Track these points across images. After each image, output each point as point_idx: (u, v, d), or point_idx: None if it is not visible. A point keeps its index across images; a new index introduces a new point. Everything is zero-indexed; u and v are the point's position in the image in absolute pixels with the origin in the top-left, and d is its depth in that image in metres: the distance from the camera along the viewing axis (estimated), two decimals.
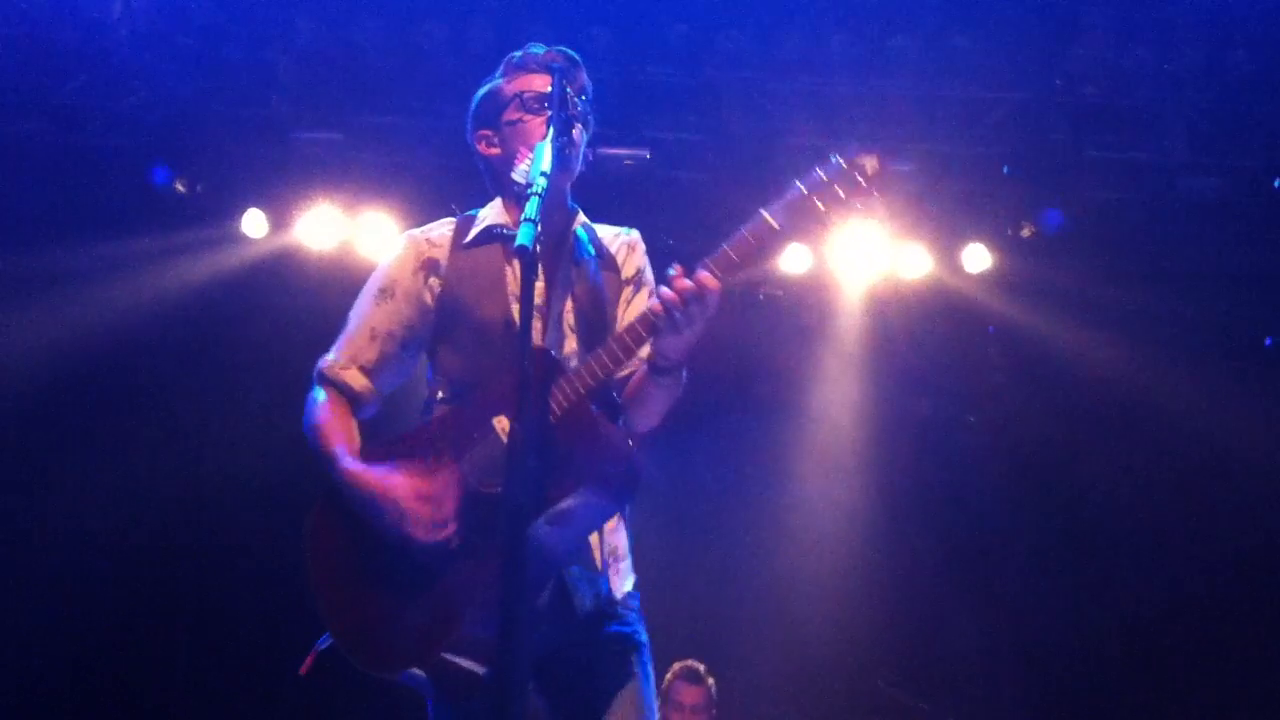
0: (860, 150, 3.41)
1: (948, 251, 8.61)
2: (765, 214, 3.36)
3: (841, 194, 3.35)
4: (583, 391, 3.35)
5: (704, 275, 3.32)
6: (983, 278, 8.70)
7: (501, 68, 3.83)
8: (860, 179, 3.36)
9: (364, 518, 3.44)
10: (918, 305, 9.08)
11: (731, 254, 3.34)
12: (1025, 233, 8.52)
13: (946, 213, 8.29)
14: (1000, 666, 9.22)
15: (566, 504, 3.31)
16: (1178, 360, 8.55)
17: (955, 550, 9.31)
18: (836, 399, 9.47)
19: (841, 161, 3.38)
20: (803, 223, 3.37)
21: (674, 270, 3.34)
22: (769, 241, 3.36)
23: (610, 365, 3.37)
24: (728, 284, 3.36)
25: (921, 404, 9.61)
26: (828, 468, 9.43)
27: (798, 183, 3.38)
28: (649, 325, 3.35)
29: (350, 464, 3.49)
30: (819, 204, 3.35)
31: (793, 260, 8.58)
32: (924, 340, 9.33)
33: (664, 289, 3.32)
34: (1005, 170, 8.22)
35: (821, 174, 3.37)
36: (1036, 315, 8.93)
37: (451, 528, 3.36)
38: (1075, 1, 7.13)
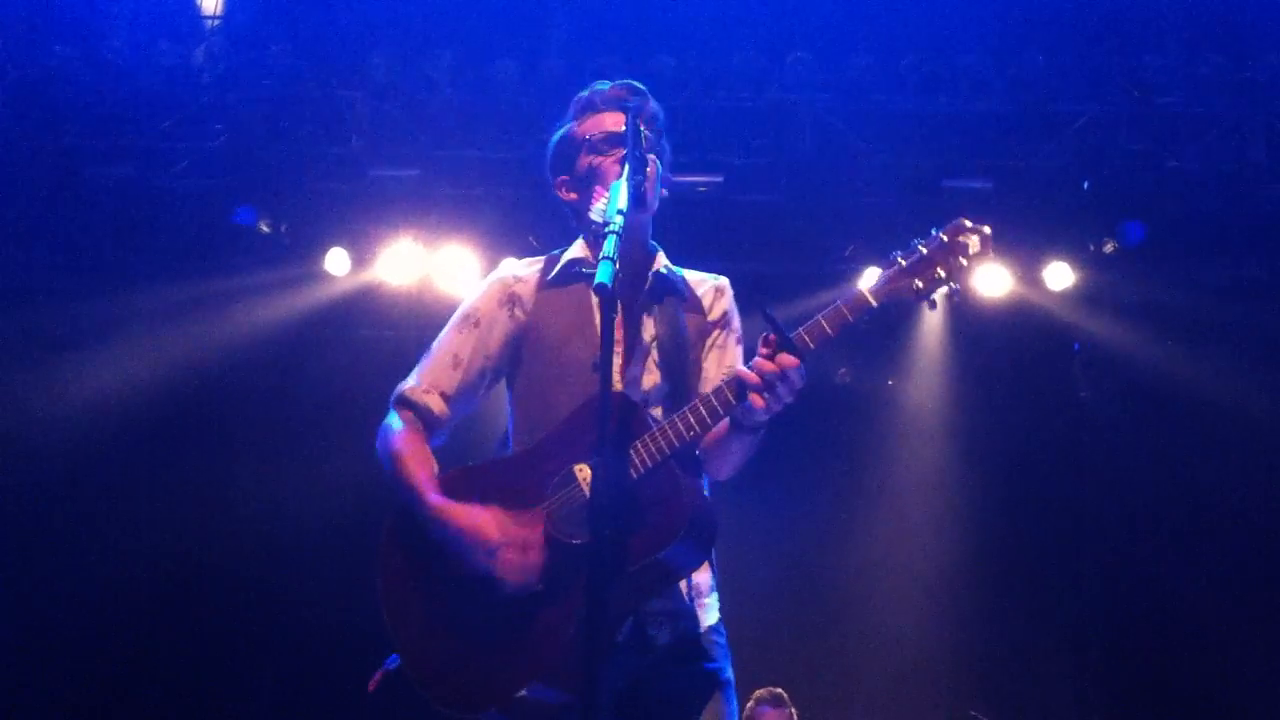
0: (963, 224, 3.31)
1: (1029, 269, 8.52)
2: (863, 290, 3.32)
3: (941, 273, 3.28)
4: (668, 451, 3.34)
5: (790, 356, 3.28)
6: (1066, 294, 8.61)
7: (572, 109, 3.84)
8: (962, 258, 3.27)
9: (448, 554, 3.43)
10: (999, 323, 8.98)
11: (826, 327, 3.32)
12: (1108, 248, 8.41)
13: (1026, 230, 8.19)
14: (1100, 702, 9.06)
15: (649, 561, 3.29)
16: (1265, 371, 8.38)
17: (1044, 575, 9.15)
18: (919, 420, 9.40)
19: (943, 236, 3.30)
20: (899, 299, 3.33)
21: (767, 340, 3.30)
22: (864, 316, 3.32)
23: (697, 428, 3.35)
24: (819, 353, 3.32)
25: (1005, 423, 9.48)
26: (910, 489, 9.35)
27: (898, 257, 3.31)
28: (740, 390, 3.31)
29: (437, 499, 3.48)
30: (917, 283, 3.29)
31: (871, 279, 8.53)
32: (1007, 358, 9.24)
33: (760, 360, 3.29)
34: (1085, 185, 8.12)
35: (922, 249, 3.30)
36: (1122, 330, 8.80)
37: (537, 574, 3.36)
38: (1148, 11, 7.04)
